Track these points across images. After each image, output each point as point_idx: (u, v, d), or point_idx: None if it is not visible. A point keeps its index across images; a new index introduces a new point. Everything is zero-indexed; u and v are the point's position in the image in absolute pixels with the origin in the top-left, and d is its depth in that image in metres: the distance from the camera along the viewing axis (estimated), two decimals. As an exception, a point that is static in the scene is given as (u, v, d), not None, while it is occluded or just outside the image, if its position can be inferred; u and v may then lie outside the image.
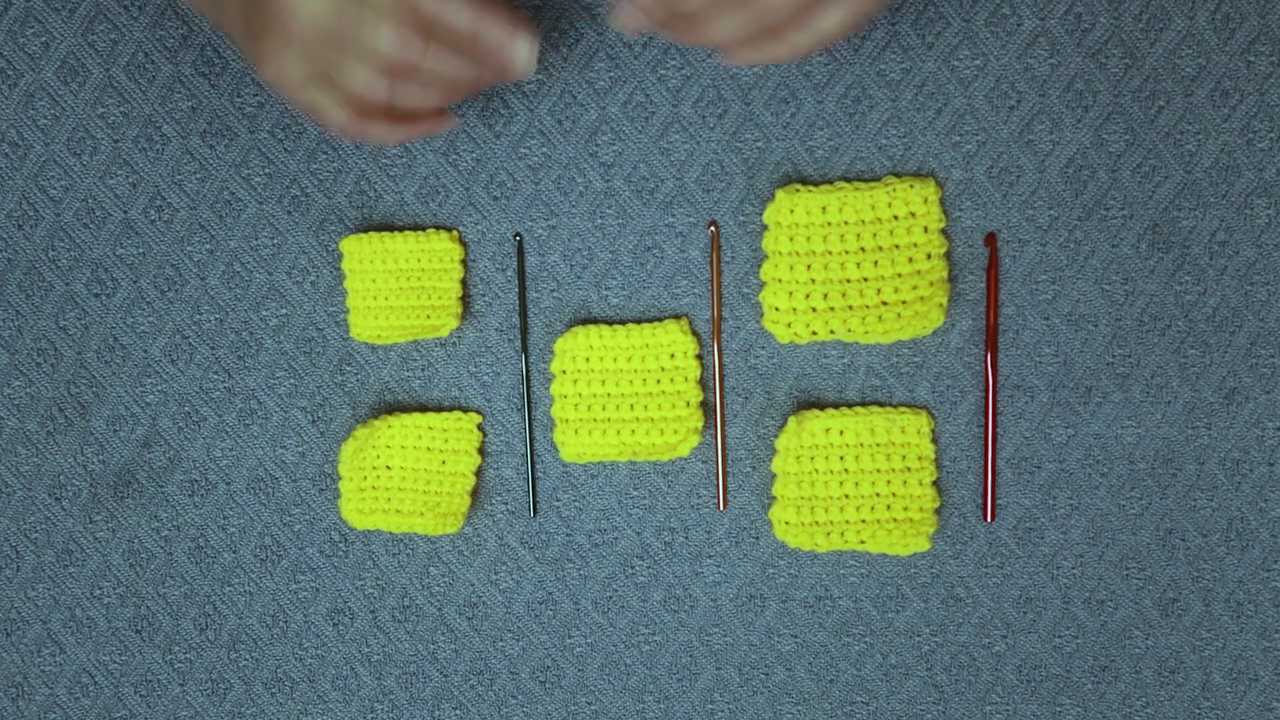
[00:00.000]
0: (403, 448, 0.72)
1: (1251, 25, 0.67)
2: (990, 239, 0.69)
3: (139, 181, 0.72)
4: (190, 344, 0.73)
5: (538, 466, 0.72)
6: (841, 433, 0.69)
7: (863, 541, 0.69)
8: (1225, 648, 0.71)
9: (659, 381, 0.70)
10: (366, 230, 0.71)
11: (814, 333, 0.69)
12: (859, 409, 0.70)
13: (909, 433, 0.70)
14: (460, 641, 0.74)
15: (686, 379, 0.70)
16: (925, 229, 0.68)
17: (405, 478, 0.72)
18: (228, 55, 0.71)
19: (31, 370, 0.74)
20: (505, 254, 0.72)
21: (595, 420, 0.71)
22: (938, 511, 0.71)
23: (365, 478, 0.72)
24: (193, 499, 0.74)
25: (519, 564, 0.73)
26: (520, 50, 0.56)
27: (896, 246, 0.68)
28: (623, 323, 0.71)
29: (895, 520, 0.69)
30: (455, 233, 0.71)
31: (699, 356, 0.71)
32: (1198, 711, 0.71)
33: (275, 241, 0.72)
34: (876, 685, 0.72)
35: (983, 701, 0.72)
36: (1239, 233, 0.68)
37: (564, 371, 0.71)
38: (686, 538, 0.72)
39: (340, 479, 0.73)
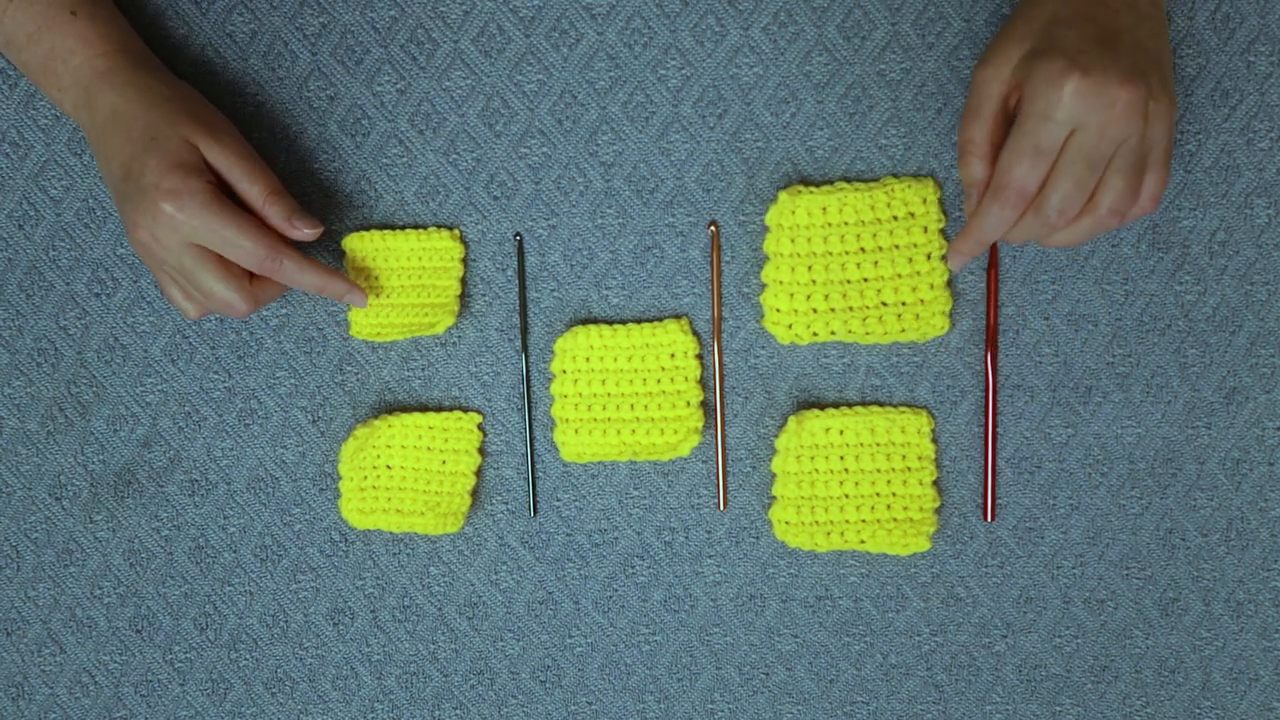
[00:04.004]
0: (403, 447, 0.72)
1: (1251, 25, 0.67)
2: (990, 239, 0.69)
3: (139, 181, 0.72)
4: (190, 344, 0.73)
5: (538, 466, 0.72)
6: (841, 432, 0.69)
7: (863, 541, 0.69)
8: (1225, 648, 0.71)
9: (659, 381, 0.70)
10: (367, 229, 0.71)
11: (814, 334, 0.69)
12: (859, 409, 0.70)
13: (909, 432, 0.70)
14: (460, 641, 0.74)
15: (686, 379, 0.70)
16: (925, 229, 0.68)
17: (405, 477, 0.72)
18: (228, 55, 0.71)
19: (31, 370, 0.74)
20: (505, 254, 0.72)
21: (595, 420, 0.71)
22: (938, 511, 0.71)
23: (365, 477, 0.72)
24: (193, 499, 0.74)
25: (519, 564, 0.73)
26: (357, 301, 0.69)
27: (896, 247, 0.68)
28: (623, 323, 0.71)
29: (895, 520, 0.69)
30: (456, 231, 0.71)
31: (699, 356, 0.71)
32: (1198, 711, 0.71)
33: (275, 241, 0.72)
34: (876, 685, 0.72)
35: (983, 701, 0.72)
36: (1239, 233, 0.68)
37: (564, 371, 0.71)
38: (686, 538, 0.72)
39: (340, 479, 0.73)
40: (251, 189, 0.65)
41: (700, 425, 0.70)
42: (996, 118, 0.60)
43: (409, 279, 0.71)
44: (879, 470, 0.70)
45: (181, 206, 0.62)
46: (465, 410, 0.72)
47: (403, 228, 0.71)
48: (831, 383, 0.71)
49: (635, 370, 0.71)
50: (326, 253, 0.72)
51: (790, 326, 0.69)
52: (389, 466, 0.72)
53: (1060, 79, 0.56)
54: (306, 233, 0.66)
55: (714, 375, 0.71)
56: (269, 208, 0.65)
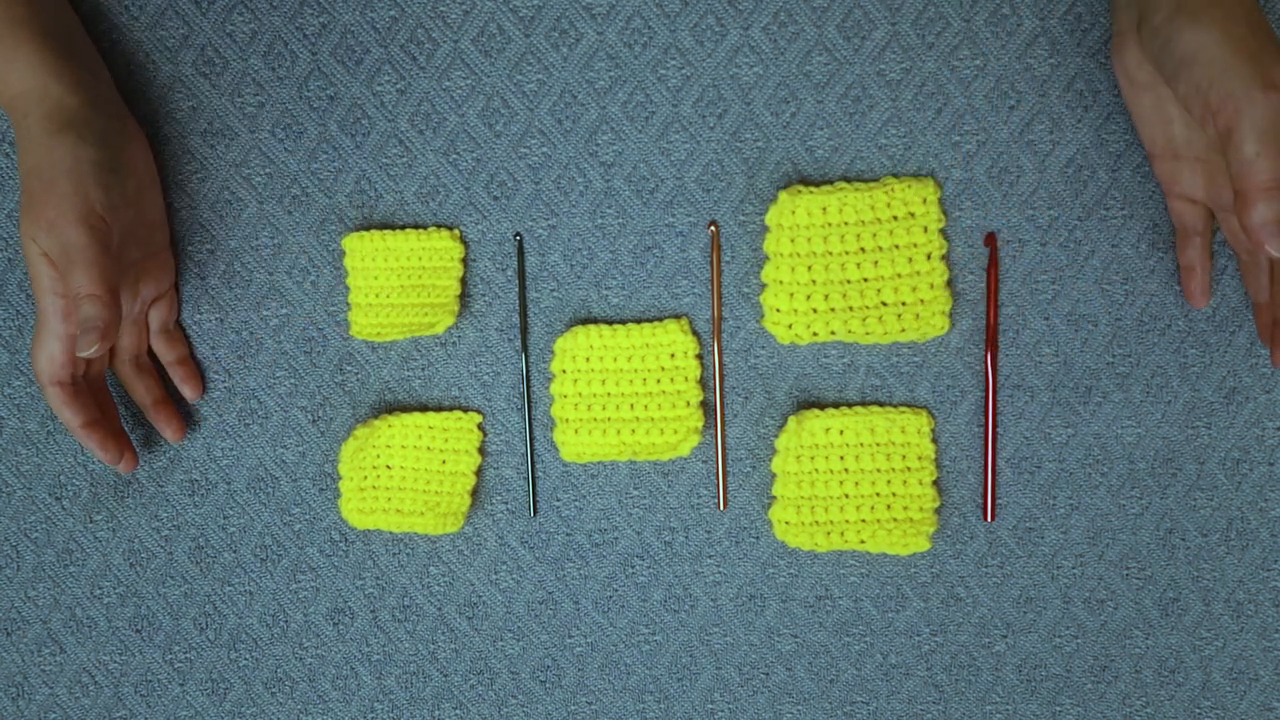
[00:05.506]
0: (403, 447, 0.72)
1: (1251, 25, 0.67)
2: (990, 239, 0.69)
3: (139, 181, 0.72)
4: (190, 343, 0.73)
5: (538, 466, 0.72)
6: (841, 432, 0.69)
7: (863, 541, 0.69)
8: (1225, 648, 0.71)
9: (659, 381, 0.70)
10: (367, 229, 0.71)
11: (814, 334, 0.69)
12: (859, 409, 0.70)
13: (909, 432, 0.70)
14: (460, 641, 0.74)
15: (686, 379, 0.70)
16: (925, 229, 0.68)
17: (405, 477, 0.72)
18: (228, 55, 0.71)
19: (31, 370, 0.74)
20: (505, 254, 0.72)
21: (595, 420, 0.71)
22: (938, 511, 0.71)
23: (365, 477, 0.72)
24: (193, 499, 0.74)
25: (519, 564, 0.73)
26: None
27: (896, 247, 0.68)
28: (623, 322, 0.71)
29: (895, 520, 0.69)
30: (456, 231, 0.71)
31: (699, 356, 0.71)
32: (1198, 711, 0.71)
33: (275, 241, 0.72)
34: (876, 685, 0.72)
35: (983, 701, 0.72)
36: (1239, 233, 0.68)
37: (564, 371, 0.71)
38: (686, 538, 0.72)
39: (340, 479, 0.73)
40: (70, 286, 0.62)
41: (700, 425, 0.70)
42: None
43: (409, 279, 0.71)
44: (879, 470, 0.70)
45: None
46: (465, 410, 0.72)
47: (403, 228, 0.71)
48: (831, 383, 0.71)
49: (635, 370, 0.71)
50: (325, 252, 0.72)
51: (790, 326, 0.69)
52: (389, 466, 0.72)
53: None
54: (83, 351, 0.62)
55: (714, 375, 0.71)
56: (78, 307, 0.62)
